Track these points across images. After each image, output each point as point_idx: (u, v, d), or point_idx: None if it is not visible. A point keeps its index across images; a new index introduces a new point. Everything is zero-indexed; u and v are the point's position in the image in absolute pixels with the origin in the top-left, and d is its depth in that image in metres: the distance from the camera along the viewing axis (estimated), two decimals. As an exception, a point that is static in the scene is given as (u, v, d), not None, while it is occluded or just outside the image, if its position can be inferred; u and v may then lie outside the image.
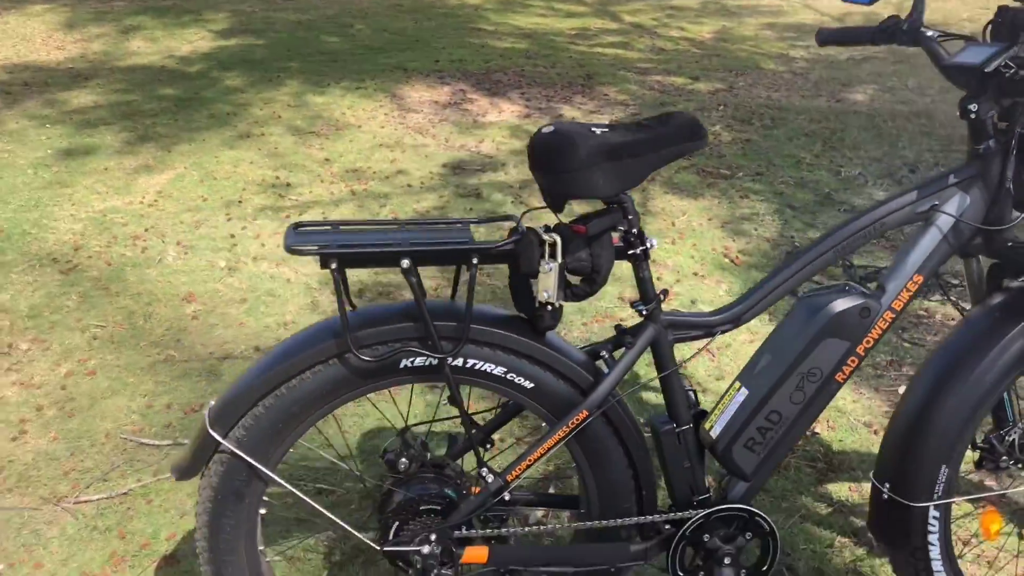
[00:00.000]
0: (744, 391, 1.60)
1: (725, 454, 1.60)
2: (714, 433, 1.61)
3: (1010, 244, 1.60)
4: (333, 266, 1.37)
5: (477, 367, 1.48)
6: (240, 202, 3.89)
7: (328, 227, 1.48)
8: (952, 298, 1.71)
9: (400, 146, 4.61)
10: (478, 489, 1.59)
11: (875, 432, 2.50)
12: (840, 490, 2.28)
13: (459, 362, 1.46)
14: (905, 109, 5.28)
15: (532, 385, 1.50)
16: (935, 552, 1.67)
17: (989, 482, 2.23)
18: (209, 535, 1.51)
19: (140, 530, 2.12)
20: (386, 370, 1.46)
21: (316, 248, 1.37)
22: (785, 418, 1.59)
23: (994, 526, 1.74)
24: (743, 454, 1.60)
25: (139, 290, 3.18)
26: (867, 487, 2.28)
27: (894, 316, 1.59)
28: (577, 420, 1.49)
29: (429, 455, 1.61)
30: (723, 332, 1.59)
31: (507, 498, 1.53)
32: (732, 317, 1.57)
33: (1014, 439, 1.78)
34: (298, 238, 1.41)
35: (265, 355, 1.50)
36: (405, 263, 1.39)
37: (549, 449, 1.50)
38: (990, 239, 1.60)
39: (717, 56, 6.70)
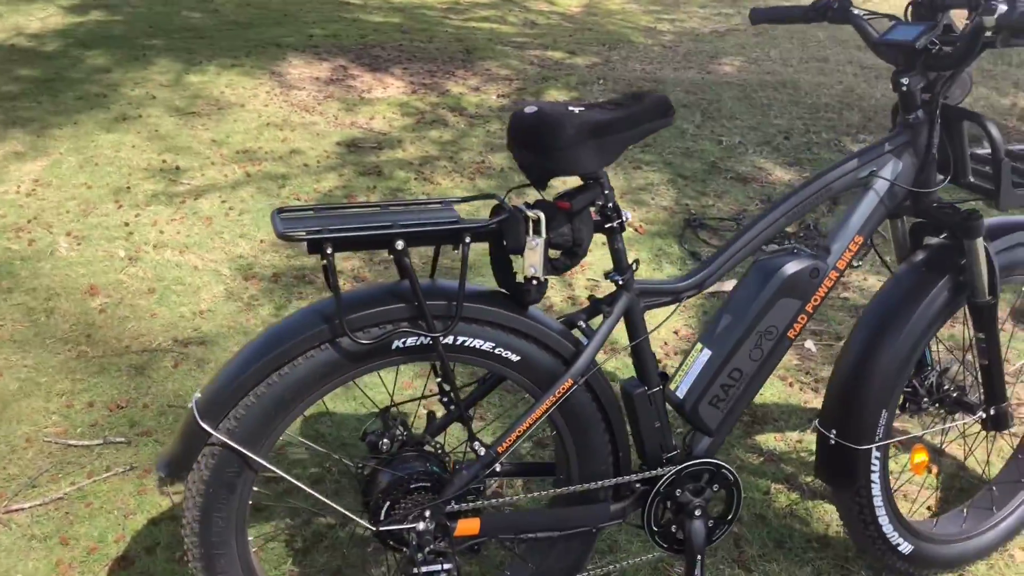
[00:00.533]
0: (707, 352, 1.70)
1: (692, 412, 1.69)
2: (680, 393, 1.70)
3: (935, 204, 1.76)
4: (329, 251, 1.37)
5: (467, 344, 1.51)
6: (129, 188, 3.73)
7: (311, 211, 1.47)
8: (882, 257, 1.86)
9: (289, 125, 4.51)
10: (455, 464, 1.63)
11: (790, 385, 2.67)
12: (767, 440, 2.44)
13: (449, 340, 1.49)
14: (772, 79, 5.55)
15: (519, 358, 1.54)
16: (876, 489, 1.83)
17: (908, 424, 2.43)
18: (200, 530, 1.49)
19: (84, 534, 2.05)
20: (378, 352, 1.47)
21: (308, 232, 1.37)
22: (745, 374, 1.69)
23: (919, 459, 1.91)
24: (708, 411, 1.69)
25: (34, 285, 3.01)
26: (791, 436, 2.45)
27: (838, 275, 1.72)
28: (563, 389, 1.55)
29: (409, 434, 1.63)
30: (688, 297, 1.67)
31: (498, 469, 1.57)
32: (696, 283, 1.66)
33: (932, 382, 1.96)
34: (287, 224, 1.39)
35: (252, 342, 1.48)
36: (400, 244, 1.40)
37: (537, 419, 1.55)
38: (918, 200, 1.75)
39: (589, 30, 6.83)
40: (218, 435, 1.44)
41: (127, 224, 3.43)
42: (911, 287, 1.79)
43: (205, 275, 3.11)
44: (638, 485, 1.71)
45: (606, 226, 1.56)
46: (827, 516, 2.17)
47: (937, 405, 1.98)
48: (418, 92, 5.16)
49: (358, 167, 4.04)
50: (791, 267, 1.67)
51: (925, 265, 1.80)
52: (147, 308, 2.91)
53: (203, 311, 2.90)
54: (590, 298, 1.66)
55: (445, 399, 1.69)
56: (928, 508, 2.21)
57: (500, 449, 1.55)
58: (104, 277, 3.07)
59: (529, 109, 1.47)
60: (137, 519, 2.08)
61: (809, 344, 2.87)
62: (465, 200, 1.57)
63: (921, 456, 1.90)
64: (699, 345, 1.72)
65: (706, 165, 4.25)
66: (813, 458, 2.37)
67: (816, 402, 2.59)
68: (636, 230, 3.56)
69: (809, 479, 2.29)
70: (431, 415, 1.71)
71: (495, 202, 1.51)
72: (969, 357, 1.96)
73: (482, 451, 1.55)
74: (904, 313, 1.76)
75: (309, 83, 5.19)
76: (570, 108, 1.48)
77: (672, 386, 1.72)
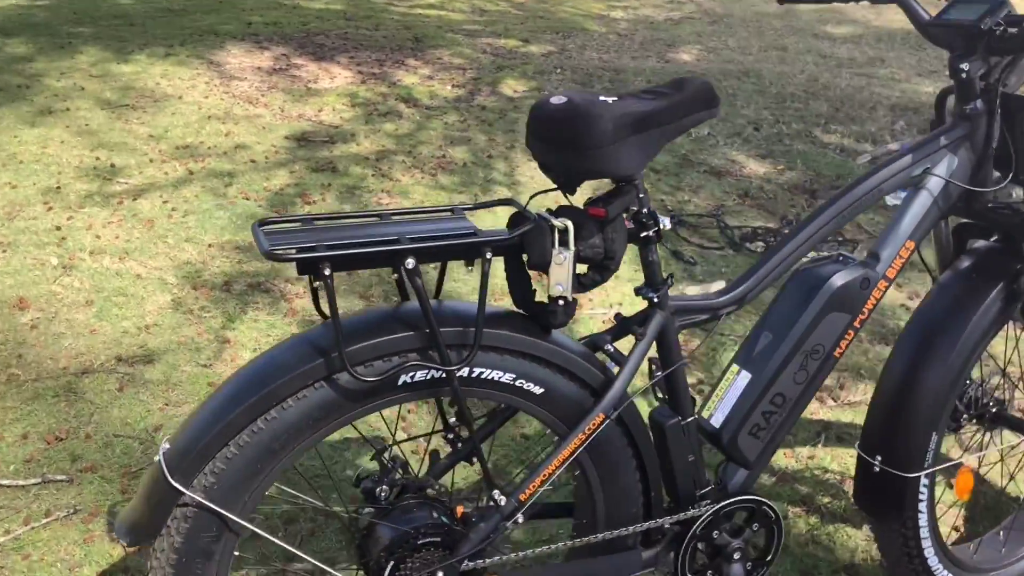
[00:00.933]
0: (745, 375, 1.50)
1: (730, 443, 1.49)
2: (715, 422, 1.51)
3: (990, 205, 1.59)
4: (327, 272, 1.13)
5: (484, 376, 1.29)
6: (59, 188, 3.40)
7: (299, 222, 1.23)
8: (924, 260, 1.69)
9: (232, 118, 4.21)
10: (462, 509, 1.40)
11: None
12: (776, 458, 2.26)
13: (464, 372, 1.27)
14: (734, 69, 5.41)
15: (542, 391, 1.33)
16: (923, 520, 1.66)
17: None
18: (171, 606, 1.24)
19: (21, 592, 1.77)
20: (383, 389, 1.24)
21: (301, 250, 1.13)
22: (788, 400, 1.50)
23: (965, 483, 1.75)
24: (748, 441, 1.50)
25: (-46, 298, 2.70)
26: (801, 452, 2.28)
27: (887, 285, 1.54)
28: (593, 425, 1.34)
29: (410, 478, 1.41)
30: (727, 314, 1.48)
31: (519, 520, 1.35)
32: (736, 298, 1.47)
33: (971, 396, 1.80)
34: (274, 240, 1.15)
35: (230, 381, 1.23)
36: (410, 263, 1.17)
37: (564, 460, 1.34)
38: (972, 200, 1.58)
39: (540, 17, 6.62)
40: (192, 494, 1.19)
41: (59, 228, 3.12)
42: (960, 296, 1.62)
43: (149, 284, 2.82)
44: (670, 527, 1.51)
45: (641, 235, 1.35)
46: (850, 542, 2.00)
47: (975, 421, 1.82)
48: (367, 82, 4.89)
49: (310, 163, 3.77)
50: (840, 278, 1.48)
51: (975, 271, 1.63)
52: (85, 323, 2.61)
53: (148, 325, 2.62)
54: (617, 316, 1.45)
55: (451, 435, 1.46)
56: (955, 529, 2.06)
57: (522, 497, 1.34)
58: (35, 288, 2.76)
59: (556, 99, 1.25)
60: (84, 572, 1.81)
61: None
62: (477, 208, 1.34)
63: (967, 480, 1.73)
64: (734, 367, 1.53)
65: (677, 158, 4.07)
66: (827, 475, 2.21)
67: (824, 413, 2.43)
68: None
69: (827, 500, 2.12)
70: (435, 455, 1.48)
71: (508, 206, 1.29)
72: (1012, 369, 1.81)
73: (502, 500, 1.33)
74: (953, 326, 1.59)
75: (251, 73, 4.88)
76: (602, 98, 1.26)
77: (705, 414, 1.52)
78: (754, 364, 1.50)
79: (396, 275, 1.26)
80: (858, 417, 2.39)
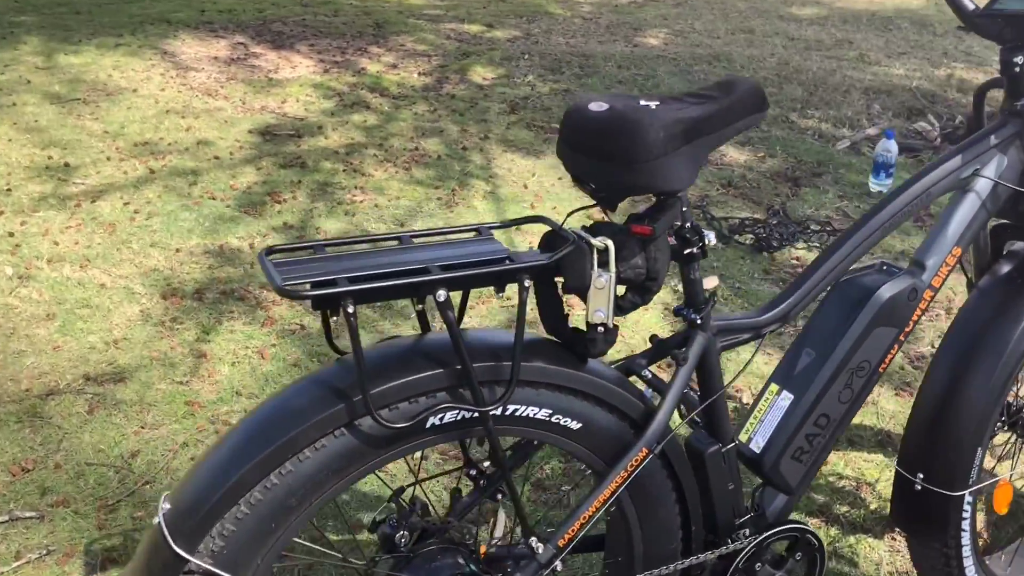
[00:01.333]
0: (787, 395, 1.40)
1: (773, 469, 1.39)
2: (755, 446, 1.40)
3: (1038, 207, 1.50)
4: (350, 309, 1.00)
5: (518, 413, 1.16)
6: (9, 191, 3.19)
7: (310, 249, 1.10)
8: (963, 264, 1.59)
9: (192, 111, 4.01)
10: (484, 548, 1.28)
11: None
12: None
13: (498, 410, 1.14)
14: (703, 52, 5.32)
15: (580, 425, 1.21)
16: (965, 538, 1.58)
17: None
18: None
19: (-7, 646, 1.62)
20: (409, 432, 1.11)
21: (319, 284, 1.00)
22: (833, 420, 1.40)
23: (1005, 496, 1.67)
24: (791, 466, 1.40)
25: (-99, 315, 2.50)
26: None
27: (933, 294, 1.44)
28: (636, 461, 1.22)
29: (431, 520, 1.28)
30: (771, 332, 1.37)
31: (559, 568, 1.23)
32: (780, 315, 1.36)
33: (1007, 403, 1.72)
34: (286, 272, 1.02)
35: (238, 429, 1.09)
36: (442, 295, 1.04)
37: (606, 501, 1.22)
38: (1018, 202, 1.49)
39: (502, 1, 6.47)
40: (199, 561, 1.05)
41: (12, 235, 2.92)
42: (1002, 303, 1.53)
43: (115, 294, 2.64)
44: (715, 561, 1.40)
45: (685, 252, 1.23)
46: (874, 553, 1.92)
47: (1008, 429, 1.74)
48: (331, 71, 4.70)
49: (277, 158, 3.60)
50: (888, 289, 1.38)
51: (1018, 275, 1.54)
52: (47, 339, 2.43)
53: (117, 339, 2.45)
54: (653, 339, 1.34)
55: (473, 472, 1.34)
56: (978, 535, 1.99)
57: (561, 543, 1.22)
58: (-11, 302, 2.58)
59: (596, 105, 1.12)
60: (62, 622, 1.66)
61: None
62: (505, 226, 1.21)
63: (1006, 492, 1.66)
64: (774, 386, 1.42)
65: (656, 147, 3.96)
66: (841, 481, 2.13)
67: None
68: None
69: (844, 509, 2.03)
70: (456, 493, 1.35)
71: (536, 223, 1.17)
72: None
73: (539, 547, 1.21)
74: (997, 335, 1.50)
75: (208, 63, 4.67)
76: (643, 103, 1.14)
77: (743, 438, 1.42)
78: (796, 384, 1.40)
79: (420, 306, 1.12)
80: (867, 418, 2.31)
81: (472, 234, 1.18)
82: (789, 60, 5.22)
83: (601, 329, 1.17)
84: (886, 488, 2.08)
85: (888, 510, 2.00)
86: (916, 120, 4.34)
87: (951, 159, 1.41)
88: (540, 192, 3.46)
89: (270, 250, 1.08)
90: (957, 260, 1.45)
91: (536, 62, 5.04)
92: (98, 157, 3.49)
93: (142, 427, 2.14)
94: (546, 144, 3.93)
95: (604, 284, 1.14)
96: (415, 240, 1.15)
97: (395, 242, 1.14)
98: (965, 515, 1.56)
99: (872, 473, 2.13)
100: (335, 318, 1.05)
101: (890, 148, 3.50)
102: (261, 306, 2.62)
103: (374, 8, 5.97)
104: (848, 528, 1.98)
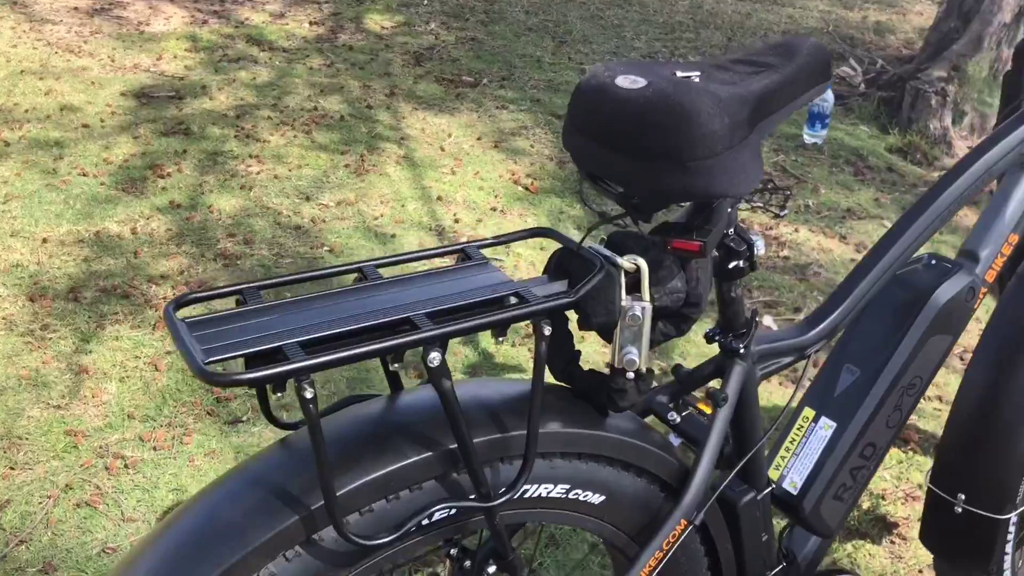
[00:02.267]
0: (828, 422, 1.16)
1: (813, 512, 1.15)
2: (791, 486, 1.16)
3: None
4: (308, 394, 0.68)
5: (528, 494, 0.88)
6: None
7: (236, 294, 0.77)
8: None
9: (51, 72, 3.49)
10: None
11: (779, 384, 2.20)
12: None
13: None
14: (613, -4, 5.03)
15: (603, 499, 0.93)
16: (1007, 562, 1.38)
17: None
18: None
19: None
20: (387, 544, 0.80)
21: (260, 358, 0.68)
22: (879, 449, 1.17)
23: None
24: (832, 507, 1.16)
25: None
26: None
27: (987, 291, 1.22)
28: (674, 536, 0.96)
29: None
30: (816, 352, 1.11)
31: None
32: (827, 331, 1.11)
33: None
34: (209, 340, 0.69)
35: (164, 538, 0.77)
36: (435, 358, 0.73)
37: (640, 587, 0.95)
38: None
39: (394, -58, 6.00)
40: None
41: None
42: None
43: (-32, 299, 2.21)
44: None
45: (729, 266, 0.95)
46: (876, 563, 1.73)
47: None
48: (209, 22, 4.22)
49: (157, 125, 3.15)
50: (946, 291, 1.14)
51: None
52: None
53: (-26, 358, 2.03)
54: (675, 370, 1.06)
55: (454, 552, 1.04)
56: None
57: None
58: None
59: (627, 80, 0.82)
60: None
61: (768, 321, 2.41)
62: (499, 243, 0.90)
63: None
64: (809, 411, 1.18)
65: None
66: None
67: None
68: (527, 188, 2.95)
69: (837, 511, 1.83)
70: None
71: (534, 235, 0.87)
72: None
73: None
74: (1045, 328, 1.29)
75: (66, 15, 4.12)
76: (680, 73, 0.85)
77: (773, 474, 1.17)
78: (837, 409, 1.15)
79: (396, 365, 0.81)
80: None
81: (460, 256, 0.87)
82: (702, 4, 4.98)
83: (631, 375, 0.88)
84: (878, 484, 1.89)
85: (887, 510, 1.83)
86: (838, 65, 4.17)
87: (1009, 133, 1.17)
88: (459, 155, 3.14)
89: (179, 301, 0.75)
90: (1013, 249, 1.22)
91: (437, 8, 4.66)
92: (-61, 129, 2.99)
93: (11, 468, 1.76)
94: (459, 100, 3.59)
95: (638, 317, 0.85)
96: (382, 272, 0.83)
97: (357, 273, 0.83)
98: (1009, 537, 1.36)
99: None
100: (279, 394, 0.74)
101: (827, 97, 3.31)
102: (150, 304, 2.24)
103: (253, -50, 5.44)
104: (845, 535, 1.79)
